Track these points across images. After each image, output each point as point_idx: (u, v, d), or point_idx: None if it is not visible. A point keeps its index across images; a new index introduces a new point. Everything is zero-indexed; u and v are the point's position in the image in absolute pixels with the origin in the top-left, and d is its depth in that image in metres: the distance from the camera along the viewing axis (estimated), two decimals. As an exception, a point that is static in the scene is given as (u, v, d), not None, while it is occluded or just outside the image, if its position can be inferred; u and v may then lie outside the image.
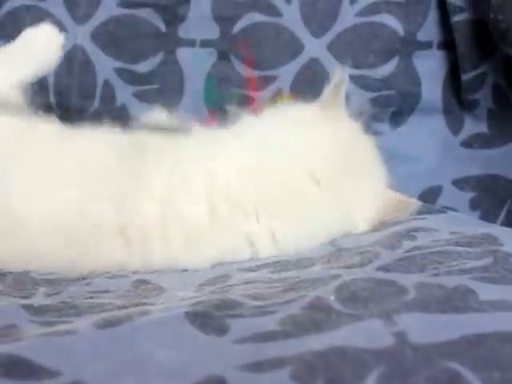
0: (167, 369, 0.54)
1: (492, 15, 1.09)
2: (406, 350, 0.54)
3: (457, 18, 1.20)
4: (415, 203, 1.02)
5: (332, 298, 0.65)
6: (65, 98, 1.28)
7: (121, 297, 0.77)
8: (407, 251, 0.79)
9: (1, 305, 0.71)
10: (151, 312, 0.66)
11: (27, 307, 0.71)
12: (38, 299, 0.77)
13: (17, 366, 0.53)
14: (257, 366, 0.54)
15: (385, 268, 0.74)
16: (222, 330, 0.61)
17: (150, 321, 0.63)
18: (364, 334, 0.58)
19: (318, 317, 0.62)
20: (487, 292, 0.63)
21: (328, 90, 1.02)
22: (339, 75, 1.01)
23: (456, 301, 0.62)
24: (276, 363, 0.54)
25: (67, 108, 1.27)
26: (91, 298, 0.77)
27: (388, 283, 0.68)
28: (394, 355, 0.54)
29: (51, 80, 1.27)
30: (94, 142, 0.95)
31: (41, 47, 1.09)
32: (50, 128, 0.98)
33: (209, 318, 0.64)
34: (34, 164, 0.91)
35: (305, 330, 0.60)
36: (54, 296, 0.78)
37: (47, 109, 1.24)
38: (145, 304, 0.73)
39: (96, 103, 1.28)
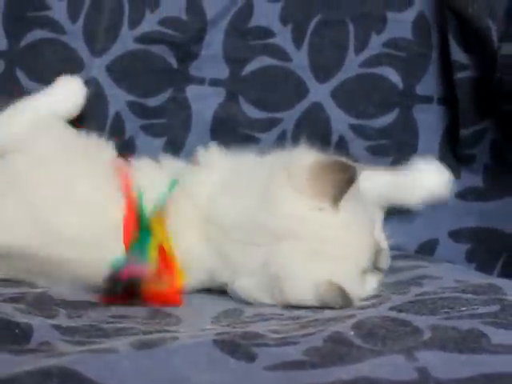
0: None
1: (498, 75, 1.15)
2: None
3: (460, 75, 1.25)
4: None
5: (352, 333, 0.70)
6: (76, 128, 1.31)
7: (141, 323, 0.81)
8: (417, 295, 0.83)
9: (34, 323, 0.73)
10: (181, 338, 0.69)
11: (57, 327, 0.75)
12: (62, 320, 0.80)
13: (69, 377, 0.56)
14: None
15: (397, 309, 0.78)
16: (250, 357, 0.65)
17: (183, 345, 0.67)
18: (389, 367, 0.62)
19: (340, 350, 0.66)
20: (498, 336, 0.68)
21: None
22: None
23: (471, 342, 0.66)
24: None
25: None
26: (112, 322, 0.81)
27: (403, 323, 0.72)
28: (421, 388, 0.58)
29: (65, 112, 1.31)
30: None
31: (68, 97, 1.20)
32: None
33: (236, 346, 0.67)
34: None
35: (330, 362, 0.64)
36: (76, 319, 0.81)
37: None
38: (168, 331, 0.76)
39: (105, 135, 1.31)
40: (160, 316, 0.86)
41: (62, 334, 0.73)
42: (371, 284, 0.95)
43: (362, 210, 0.97)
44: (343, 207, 0.92)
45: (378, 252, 0.96)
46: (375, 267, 0.96)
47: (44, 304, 0.86)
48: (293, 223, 0.91)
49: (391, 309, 0.78)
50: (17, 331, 0.71)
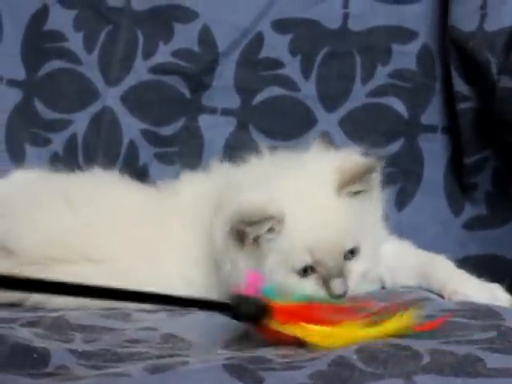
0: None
1: (497, 106, 1.19)
2: (428, 408, 0.62)
3: (462, 106, 1.29)
4: None
5: (355, 357, 0.73)
6: (92, 156, 1.36)
7: (154, 348, 0.84)
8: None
9: (51, 348, 0.77)
10: (191, 363, 0.73)
11: (73, 351, 0.78)
12: (79, 344, 0.84)
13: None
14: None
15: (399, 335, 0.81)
16: (258, 381, 0.69)
17: (194, 370, 0.70)
18: (388, 391, 0.65)
19: (344, 373, 0.70)
20: (494, 360, 0.71)
21: None
22: None
23: (467, 367, 0.70)
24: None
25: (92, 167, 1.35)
26: (127, 347, 0.84)
27: (403, 347, 0.76)
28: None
29: (80, 139, 1.36)
30: None
31: None
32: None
33: (244, 370, 0.71)
34: None
35: (334, 385, 0.67)
36: (92, 343, 0.85)
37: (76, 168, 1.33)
38: (180, 355, 0.80)
39: (120, 162, 1.36)
40: (173, 340, 0.89)
41: (78, 358, 0.77)
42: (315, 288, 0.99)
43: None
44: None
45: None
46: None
47: (61, 328, 0.90)
48: None
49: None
50: (35, 356, 0.74)
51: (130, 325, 0.97)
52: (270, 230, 0.97)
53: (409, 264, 1.09)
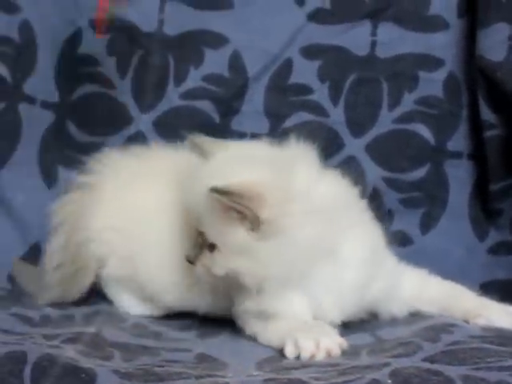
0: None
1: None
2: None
3: (489, 133, 1.32)
4: None
5: (389, 381, 0.75)
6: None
7: (191, 368, 0.86)
8: (448, 345, 0.88)
9: (96, 368, 0.79)
10: (231, 383, 0.75)
11: (116, 371, 0.81)
12: (118, 363, 0.86)
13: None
14: None
15: (429, 359, 0.83)
16: (297, 403, 0.71)
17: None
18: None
19: (378, 397, 0.72)
20: (526, 388, 0.73)
21: None
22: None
23: (499, 393, 0.72)
24: None
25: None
26: (164, 366, 0.87)
27: (436, 373, 0.78)
28: None
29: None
30: None
31: None
32: None
33: (282, 392, 0.73)
34: None
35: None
36: (130, 362, 0.88)
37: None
38: (216, 375, 0.82)
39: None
40: (207, 361, 0.91)
41: (120, 378, 0.79)
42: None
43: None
44: None
45: None
46: None
47: (99, 345, 0.93)
48: None
49: (424, 360, 0.83)
50: (83, 376, 0.77)
51: (164, 344, 1.00)
52: None
53: (430, 295, 1.10)
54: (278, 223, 0.95)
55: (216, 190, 0.93)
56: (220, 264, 0.99)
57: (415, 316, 1.10)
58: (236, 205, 0.93)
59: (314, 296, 1.00)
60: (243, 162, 1.00)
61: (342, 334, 1.04)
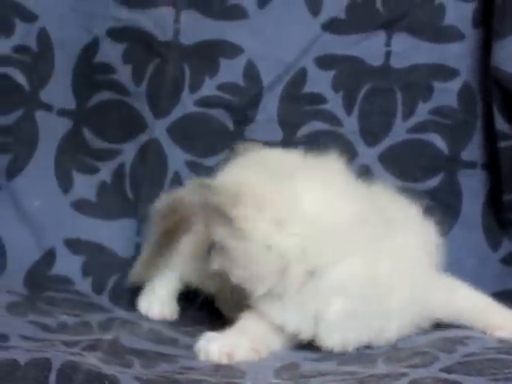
0: None
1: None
2: None
3: (503, 144, 1.33)
4: None
5: (407, 392, 0.76)
6: (138, 185, 1.40)
7: (210, 375, 0.87)
8: (464, 356, 0.89)
9: (118, 375, 0.80)
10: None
11: (138, 378, 0.82)
12: (138, 370, 0.87)
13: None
14: None
15: (447, 370, 0.84)
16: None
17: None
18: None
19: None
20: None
21: None
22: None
23: (518, 404, 0.72)
24: None
25: (139, 196, 1.40)
26: (183, 373, 0.87)
27: (453, 382, 0.78)
28: None
29: (127, 169, 1.40)
30: None
31: None
32: None
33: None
34: None
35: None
36: (150, 369, 0.88)
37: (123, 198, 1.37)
38: (235, 383, 0.83)
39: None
40: (224, 368, 0.92)
41: (143, 385, 0.80)
42: None
43: None
44: None
45: None
46: None
47: (118, 352, 0.94)
48: None
49: (442, 370, 0.84)
50: (106, 382, 0.78)
51: (181, 351, 1.01)
52: None
53: (456, 308, 1.10)
54: (250, 227, 0.96)
55: (199, 185, 0.97)
56: (212, 259, 1.02)
57: (434, 329, 1.11)
58: (212, 200, 0.95)
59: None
60: (247, 166, 1.03)
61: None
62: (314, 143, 1.41)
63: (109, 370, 0.82)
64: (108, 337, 1.00)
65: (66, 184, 1.42)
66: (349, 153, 1.37)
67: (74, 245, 1.39)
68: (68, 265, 1.38)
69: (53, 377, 0.78)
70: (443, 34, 1.40)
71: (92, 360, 0.85)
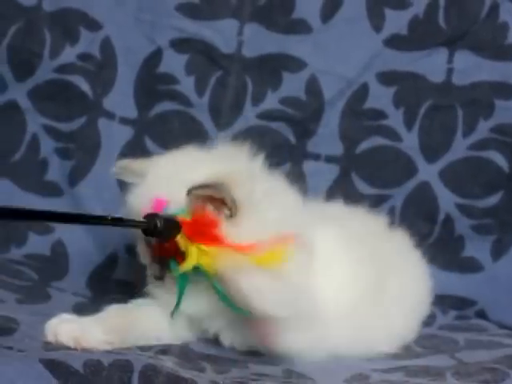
0: None
1: None
2: None
3: None
4: None
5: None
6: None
7: (283, 382, 0.88)
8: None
9: (196, 379, 0.81)
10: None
11: (214, 383, 0.82)
12: (211, 375, 0.88)
13: None
14: None
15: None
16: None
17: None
18: None
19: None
20: None
21: None
22: None
23: None
24: None
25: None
26: (255, 379, 0.88)
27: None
28: None
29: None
30: None
31: None
32: None
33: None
34: None
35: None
36: (223, 374, 0.89)
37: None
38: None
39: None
40: (294, 376, 0.93)
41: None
42: None
43: None
44: None
45: None
46: None
47: (189, 357, 0.95)
48: None
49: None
50: (187, 385, 0.79)
51: (249, 357, 1.01)
52: None
53: None
54: (250, 201, 0.99)
55: (196, 188, 0.97)
56: None
57: (490, 341, 1.11)
58: (218, 194, 0.97)
59: None
60: (190, 164, 1.06)
61: (421, 354, 1.06)
62: (374, 158, 1.42)
63: (186, 373, 0.83)
64: (177, 342, 1.01)
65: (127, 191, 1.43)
66: (408, 168, 1.39)
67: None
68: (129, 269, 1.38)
69: (135, 378, 0.80)
70: (506, 52, 1.41)
71: (169, 363, 0.86)
